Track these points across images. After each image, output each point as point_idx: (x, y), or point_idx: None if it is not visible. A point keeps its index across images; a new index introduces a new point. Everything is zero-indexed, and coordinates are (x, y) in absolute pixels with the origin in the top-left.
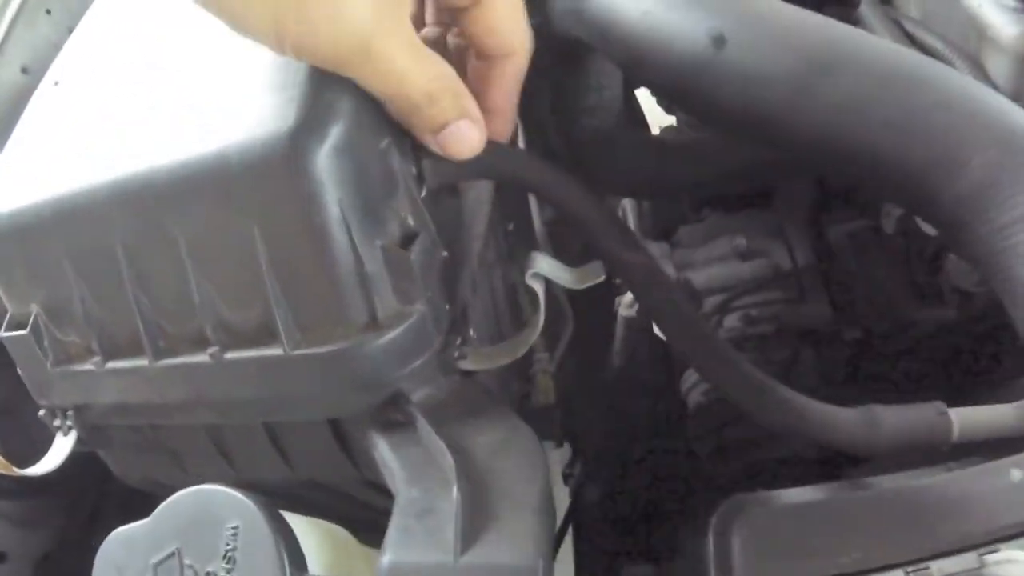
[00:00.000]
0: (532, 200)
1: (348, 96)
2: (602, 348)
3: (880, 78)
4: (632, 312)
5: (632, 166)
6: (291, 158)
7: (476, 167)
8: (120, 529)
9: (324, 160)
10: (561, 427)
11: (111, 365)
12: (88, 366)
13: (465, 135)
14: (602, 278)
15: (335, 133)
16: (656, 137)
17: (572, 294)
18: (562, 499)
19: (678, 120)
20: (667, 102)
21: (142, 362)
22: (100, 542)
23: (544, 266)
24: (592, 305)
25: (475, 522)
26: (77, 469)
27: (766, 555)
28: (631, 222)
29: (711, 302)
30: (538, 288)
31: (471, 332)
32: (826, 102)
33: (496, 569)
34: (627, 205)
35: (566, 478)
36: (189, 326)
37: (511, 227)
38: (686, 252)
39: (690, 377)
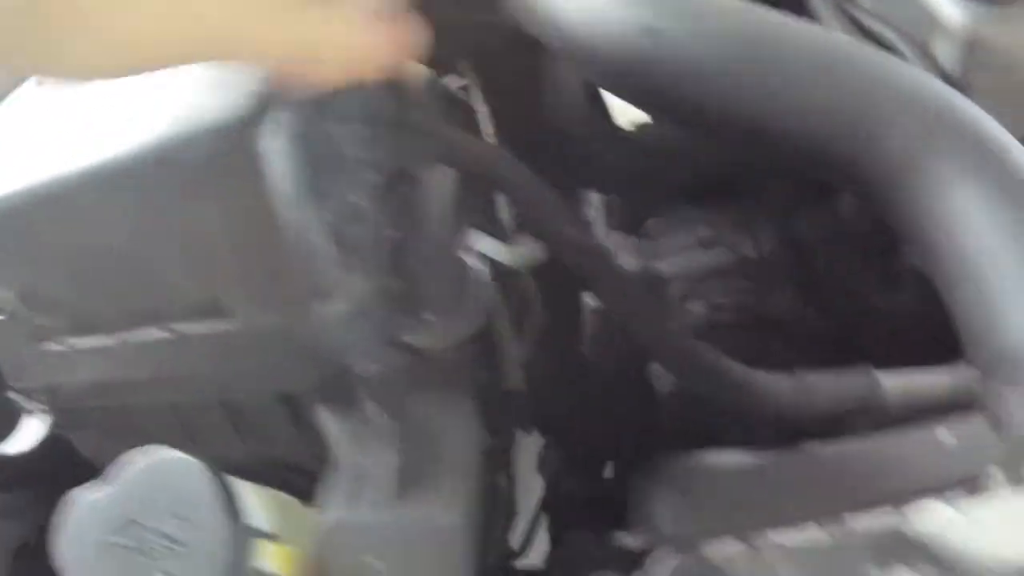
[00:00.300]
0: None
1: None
2: (573, 339)
3: (804, 61)
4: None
5: (598, 162)
6: (242, 140)
7: (422, 151)
8: (78, 493)
9: (274, 141)
10: (532, 416)
11: (80, 344)
12: (59, 346)
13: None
14: (541, 257)
15: (285, 116)
16: (622, 132)
17: (542, 285)
18: (536, 487)
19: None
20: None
21: (108, 340)
22: None
23: (482, 244)
24: (562, 295)
25: (409, 484)
26: (55, 462)
27: (688, 511)
28: (599, 216)
29: (675, 290)
30: (478, 266)
31: (431, 316)
32: (752, 88)
33: (427, 526)
34: (595, 199)
35: (541, 467)
36: (152, 304)
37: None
38: (653, 243)
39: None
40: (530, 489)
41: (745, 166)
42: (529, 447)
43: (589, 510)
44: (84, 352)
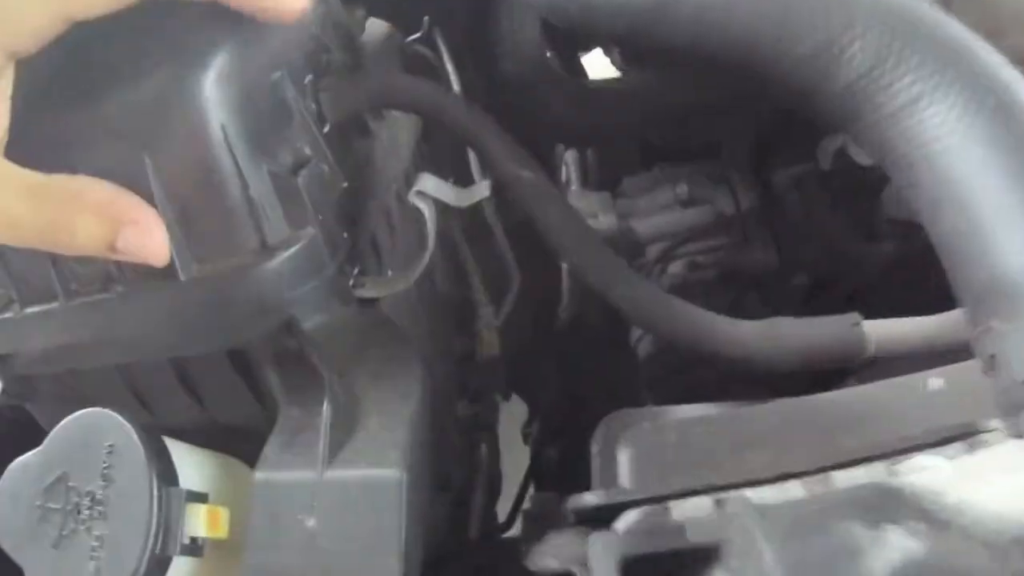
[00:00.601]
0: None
1: (232, 28)
2: (551, 302)
3: None
4: None
5: (555, 111)
6: (175, 86)
7: (366, 95)
8: (18, 459)
9: (208, 87)
10: (511, 382)
11: (28, 310)
12: (8, 314)
13: (135, 243)
14: (487, 194)
15: (219, 62)
16: (579, 81)
17: (518, 248)
18: (522, 458)
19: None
20: (620, 59)
21: (55, 305)
22: None
23: (428, 184)
24: (540, 256)
25: (344, 437)
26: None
27: (653, 467)
28: (573, 174)
29: (654, 250)
30: (424, 207)
31: (388, 271)
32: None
33: (359, 480)
34: (569, 158)
35: (525, 437)
36: (97, 264)
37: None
38: (629, 202)
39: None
40: (517, 461)
41: (716, 116)
42: (516, 418)
43: (573, 478)
44: (33, 318)
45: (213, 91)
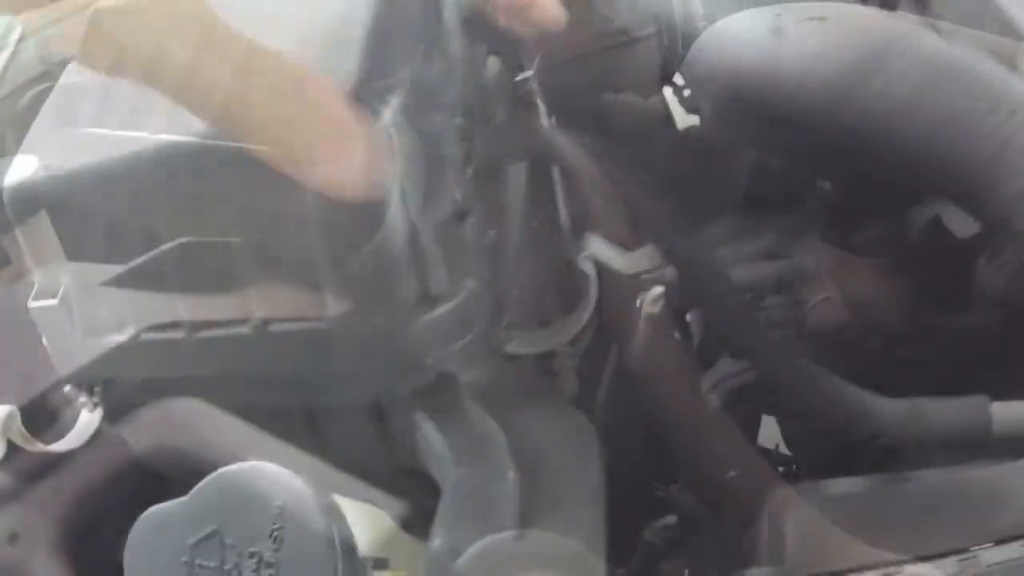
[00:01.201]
0: (559, 191)
1: (406, 66)
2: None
3: (931, 74)
4: (656, 309)
5: (656, 159)
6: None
7: (523, 146)
8: (154, 508)
9: (385, 127)
10: None
11: (144, 337)
12: (119, 338)
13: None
14: (656, 264)
15: (395, 102)
16: (681, 134)
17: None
18: None
19: (701, 119)
20: (692, 101)
21: (177, 334)
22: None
23: (597, 249)
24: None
25: (530, 505)
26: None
27: (818, 543)
28: None
29: None
30: (589, 271)
31: (527, 321)
32: (880, 94)
33: (555, 556)
34: None
35: None
36: (230, 296)
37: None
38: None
39: (711, 377)
40: None
41: (805, 174)
42: None
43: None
44: (147, 346)
45: (391, 132)
